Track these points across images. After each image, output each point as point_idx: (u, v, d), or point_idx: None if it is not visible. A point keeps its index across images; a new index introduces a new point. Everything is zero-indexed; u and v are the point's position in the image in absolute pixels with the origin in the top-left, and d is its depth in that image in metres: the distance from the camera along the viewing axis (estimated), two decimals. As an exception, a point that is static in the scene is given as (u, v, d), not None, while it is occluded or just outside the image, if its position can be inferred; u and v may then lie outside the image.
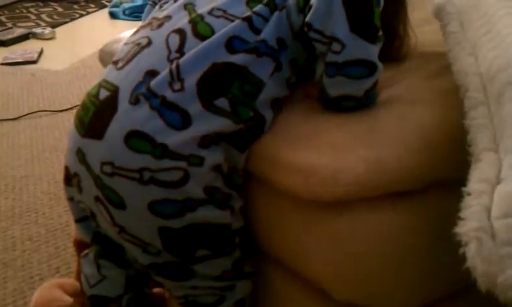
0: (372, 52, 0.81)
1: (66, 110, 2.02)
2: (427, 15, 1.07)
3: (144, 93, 0.80)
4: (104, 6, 3.50)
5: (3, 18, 3.27)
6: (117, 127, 0.79)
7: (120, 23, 3.21)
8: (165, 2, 0.98)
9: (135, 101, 0.79)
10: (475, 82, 0.69)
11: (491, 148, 0.57)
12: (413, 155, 0.77)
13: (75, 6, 3.52)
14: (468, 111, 0.66)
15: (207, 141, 0.80)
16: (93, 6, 3.54)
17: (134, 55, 0.85)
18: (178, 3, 0.92)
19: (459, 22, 0.87)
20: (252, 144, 0.86)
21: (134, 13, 3.20)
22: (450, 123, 0.80)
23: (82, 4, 3.57)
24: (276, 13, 0.84)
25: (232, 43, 0.82)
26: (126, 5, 3.31)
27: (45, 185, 1.51)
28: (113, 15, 3.30)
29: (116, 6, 3.35)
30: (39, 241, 1.29)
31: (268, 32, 0.83)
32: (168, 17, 0.89)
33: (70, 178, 0.89)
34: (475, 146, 0.60)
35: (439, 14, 0.96)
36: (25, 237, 1.31)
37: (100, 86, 0.86)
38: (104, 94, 0.83)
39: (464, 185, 0.58)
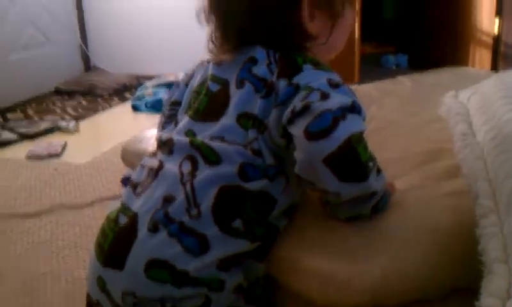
0: (368, 185, 0.79)
1: (86, 206, 2.04)
2: (436, 113, 1.09)
3: (162, 220, 0.80)
4: (127, 99, 3.62)
5: (30, 111, 3.39)
6: (137, 256, 0.79)
7: (141, 116, 3.30)
8: (166, 122, 0.99)
9: (153, 228, 0.80)
10: (484, 189, 0.70)
11: (502, 258, 0.57)
12: (429, 261, 0.77)
13: (99, 100, 3.65)
14: (479, 219, 0.67)
15: (226, 263, 0.80)
16: (116, 99, 3.66)
17: (151, 181, 0.86)
18: (178, 128, 0.92)
19: (467, 124, 0.88)
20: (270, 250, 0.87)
21: (156, 106, 3.29)
22: (464, 226, 0.79)
23: (106, 97, 3.70)
24: (261, 136, 0.83)
25: (244, 171, 0.82)
26: (148, 98, 3.42)
27: (62, 283, 1.50)
28: (135, 108, 3.40)
29: (138, 99, 3.46)
30: (53, 341, 1.28)
31: (266, 154, 0.83)
32: (172, 141, 0.89)
33: (92, 305, 0.88)
34: (487, 256, 0.60)
35: (448, 114, 0.98)
36: (40, 336, 1.30)
37: (118, 211, 0.86)
38: (122, 220, 0.84)
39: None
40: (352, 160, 0.76)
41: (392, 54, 4.42)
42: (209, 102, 0.90)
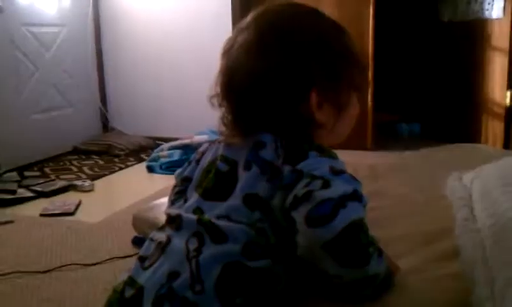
0: (369, 270, 0.81)
1: (95, 264, 2.05)
2: (442, 191, 1.11)
3: (166, 295, 0.82)
4: (142, 160, 3.69)
5: (47, 170, 3.46)
6: None
7: (156, 177, 3.35)
8: (175, 199, 1.02)
9: (158, 303, 0.82)
10: (481, 276, 0.71)
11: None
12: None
13: (116, 160, 3.72)
14: (475, 307, 0.68)
15: None
16: (132, 159, 3.72)
17: (158, 255, 0.89)
18: (187, 206, 0.95)
19: (469, 209, 0.90)
20: None
21: (170, 168, 3.35)
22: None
23: (122, 157, 3.77)
24: (265, 217, 0.85)
25: (248, 249, 0.84)
26: (163, 160, 3.48)
27: (68, 344, 1.51)
28: (150, 169, 3.46)
29: (154, 160, 3.52)
30: None
31: (270, 234, 0.85)
32: (180, 218, 0.92)
33: None
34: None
35: (451, 196, 1.00)
36: None
37: (125, 283, 0.89)
38: (129, 292, 0.86)
39: None
40: (352, 247, 0.79)
41: (405, 122, 4.48)
42: (218, 182, 0.93)
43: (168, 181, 2.94)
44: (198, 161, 1.03)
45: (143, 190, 3.00)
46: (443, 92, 4.22)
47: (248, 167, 0.90)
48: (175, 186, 1.08)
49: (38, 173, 3.39)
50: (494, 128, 3.75)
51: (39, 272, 1.97)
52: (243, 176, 0.90)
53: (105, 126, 4.36)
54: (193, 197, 0.95)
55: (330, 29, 0.96)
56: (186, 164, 1.08)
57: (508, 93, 3.62)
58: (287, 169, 0.86)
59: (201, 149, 1.05)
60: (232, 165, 0.93)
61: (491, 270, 0.71)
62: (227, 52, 0.95)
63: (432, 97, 4.35)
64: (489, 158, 1.29)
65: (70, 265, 2.03)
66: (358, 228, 0.79)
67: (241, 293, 0.83)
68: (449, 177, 1.06)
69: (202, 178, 0.97)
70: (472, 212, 0.89)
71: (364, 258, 0.80)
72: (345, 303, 0.86)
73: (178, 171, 1.09)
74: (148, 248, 0.94)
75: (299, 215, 0.80)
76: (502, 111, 3.68)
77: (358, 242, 0.79)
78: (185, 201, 0.97)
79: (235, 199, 0.88)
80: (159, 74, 4.17)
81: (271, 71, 0.90)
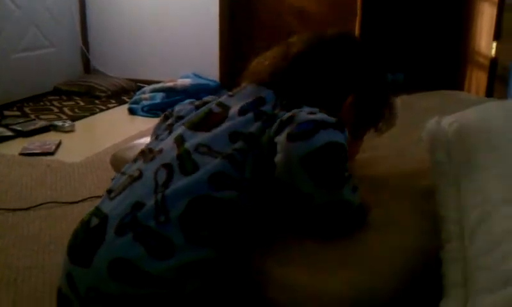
0: (341, 194, 0.84)
1: (75, 202, 2.06)
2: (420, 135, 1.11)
3: (129, 223, 0.84)
4: (124, 102, 3.64)
5: (27, 110, 3.41)
6: (102, 256, 0.84)
7: (137, 119, 3.33)
8: (162, 128, 1.06)
9: (121, 231, 0.84)
10: (452, 215, 0.72)
11: (460, 283, 0.59)
12: (397, 278, 0.79)
13: (97, 101, 3.67)
14: (444, 244, 0.69)
15: (188, 268, 0.83)
16: (113, 101, 3.68)
17: (126, 186, 0.91)
18: (171, 137, 0.97)
19: (446, 152, 0.91)
20: (241, 255, 0.89)
21: (152, 110, 3.33)
22: (433, 247, 0.81)
23: (104, 99, 3.72)
24: (251, 151, 0.89)
25: (216, 180, 0.86)
26: (145, 102, 3.45)
27: (47, 277, 1.52)
28: (132, 111, 3.43)
29: (135, 102, 3.49)
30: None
31: (248, 167, 0.87)
32: (160, 151, 0.95)
33: (61, 299, 0.93)
34: (446, 279, 0.63)
35: (428, 139, 1.00)
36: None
37: (92, 214, 0.91)
38: (94, 222, 0.88)
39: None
40: (328, 166, 0.81)
41: (389, 72, 4.46)
42: (206, 118, 0.98)
43: (149, 124, 2.93)
44: (197, 107, 1.07)
45: (124, 131, 2.99)
46: (428, 42, 4.19)
47: (242, 114, 0.94)
48: (160, 123, 1.11)
49: (17, 113, 3.34)
50: (478, 79, 3.76)
51: (19, 209, 1.98)
52: (234, 118, 0.94)
53: (87, 67, 4.28)
54: (179, 129, 0.99)
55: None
56: (188, 102, 1.12)
57: (494, 44, 3.61)
58: (280, 113, 0.90)
59: (206, 98, 1.11)
60: (224, 109, 0.98)
61: (462, 209, 0.72)
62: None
63: (417, 47, 4.33)
64: (471, 105, 1.29)
65: (49, 202, 2.04)
66: (337, 149, 0.81)
67: (206, 226, 0.84)
68: (428, 121, 1.05)
69: (193, 116, 1.01)
70: (448, 154, 0.90)
71: (338, 180, 0.82)
72: (316, 240, 0.88)
73: (177, 108, 1.12)
74: (117, 180, 0.95)
75: (282, 136, 0.83)
76: (486, 62, 3.68)
77: (334, 161, 0.81)
78: (170, 133, 1.00)
79: (219, 131, 0.92)
80: (142, 16, 4.07)
81: (329, 68, 1.02)
